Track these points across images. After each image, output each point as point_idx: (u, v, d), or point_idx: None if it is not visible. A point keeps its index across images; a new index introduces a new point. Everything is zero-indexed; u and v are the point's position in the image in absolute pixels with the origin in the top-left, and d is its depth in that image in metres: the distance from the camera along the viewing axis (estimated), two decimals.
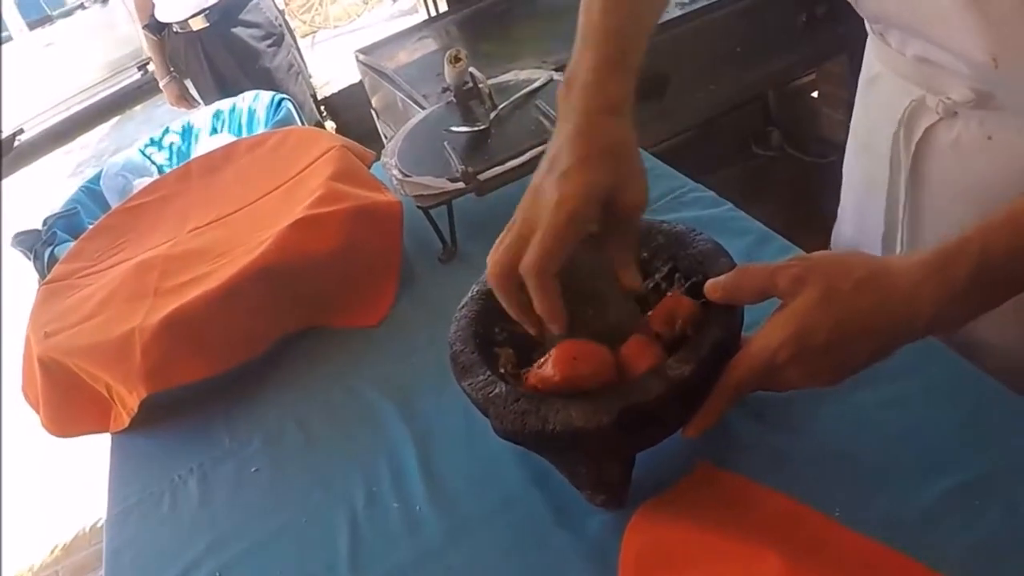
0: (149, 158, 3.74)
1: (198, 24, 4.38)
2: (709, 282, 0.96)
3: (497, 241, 0.98)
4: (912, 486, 0.96)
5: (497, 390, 0.95)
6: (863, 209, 1.40)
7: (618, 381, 0.93)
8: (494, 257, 0.96)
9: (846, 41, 1.26)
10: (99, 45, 10.30)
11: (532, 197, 0.96)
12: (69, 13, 10.41)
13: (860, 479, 0.99)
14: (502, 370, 1.01)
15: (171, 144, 3.83)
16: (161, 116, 4.89)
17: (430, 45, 3.24)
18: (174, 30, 4.44)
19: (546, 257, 0.90)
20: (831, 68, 3.43)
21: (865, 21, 1.24)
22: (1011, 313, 1.08)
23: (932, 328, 0.89)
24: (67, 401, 1.55)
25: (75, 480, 3.97)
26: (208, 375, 1.46)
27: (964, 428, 1.01)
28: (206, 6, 4.34)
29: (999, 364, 1.09)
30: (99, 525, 3.81)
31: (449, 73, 1.71)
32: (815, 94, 3.87)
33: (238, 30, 4.44)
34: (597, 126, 0.98)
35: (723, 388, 0.93)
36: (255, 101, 3.83)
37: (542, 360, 0.95)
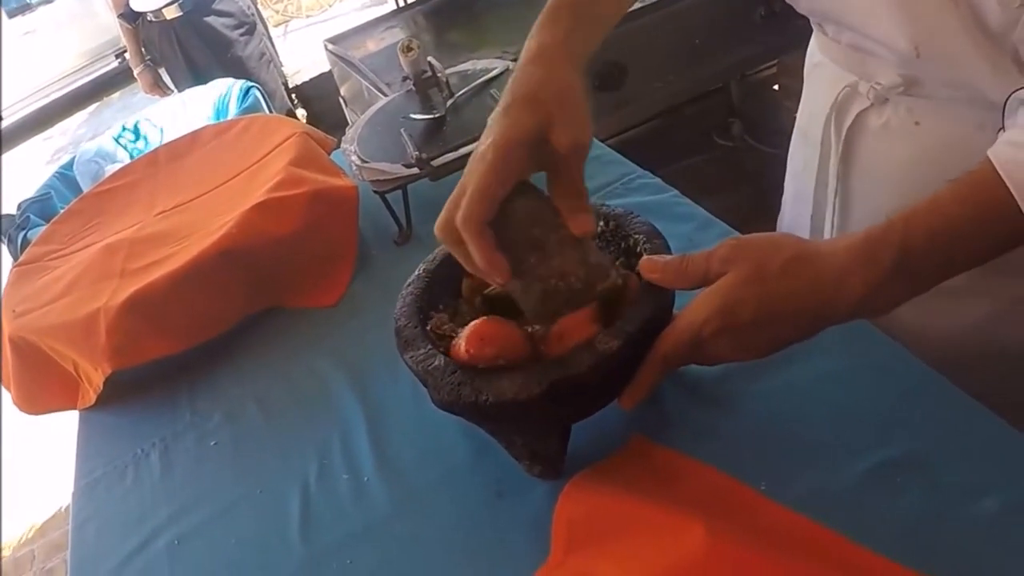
0: (122, 146, 3.74)
1: (172, 13, 4.38)
2: (645, 260, 0.98)
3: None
4: (838, 462, 0.98)
5: (436, 363, 0.97)
6: (799, 194, 1.43)
7: (536, 355, 0.95)
8: (439, 218, 0.96)
9: (803, 35, 1.28)
10: (78, 33, 10.23)
11: (474, 155, 0.97)
12: (49, 1, 10.34)
13: (787, 455, 1.01)
14: (431, 332, 1.03)
15: (144, 132, 3.83)
16: (138, 103, 4.88)
17: (397, 35, 3.25)
18: (148, 19, 4.43)
19: (474, 207, 0.91)
20: (791, 62, 3.46)
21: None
22: (938, 303, 1.12)
23: (856, 312, 0.91)
24: (37, 379, 1.56)
25: (49, 460, 3.96)
26: (171, 353, 1.48)
27: (890, 408, 1.03)
28: None
29: (926, 350, 1.12)
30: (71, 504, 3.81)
31: (404, 62, 1.73)
32: (776, 87, 3.90)
33: (211, 19, 4.44)
34: (522, 74, 0.99)
35: (652, 360, 0.95)
36: (225, 89, 3.83)
37: (458, 337, 0.97)
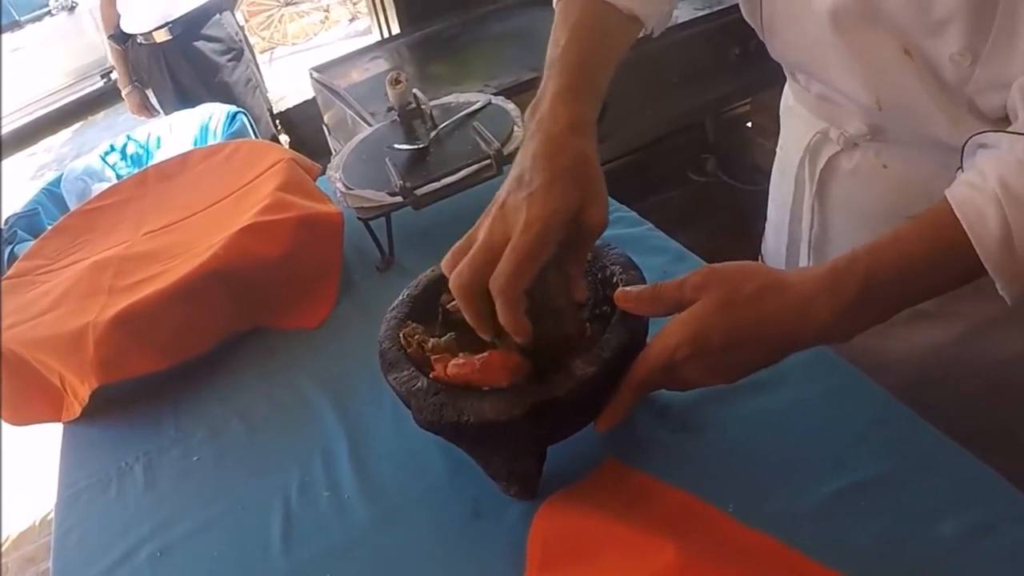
0: (109, 165, 3.74)
1: (161, 36, 4.39)
2: (619, 291, 1.01)
3: (454, 249, 0.99)
4: (805, 487, 1.00)
5: (419, 384, 0.99)
6: (778, 225, 1.47)
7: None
8: (459, 269, 0.96)
9: (777, 75, 1.32)
10: (65, 52, 10.20)
11: (500, 213, 0.97)
12: (38, 19, 10.32)
13: (756, 479, 1.03)
14: (402, 342, 1.05)
15: (130, 152, 3.84)
16: (122, 124, 4.88)
17: (381, 65, 3.27)
18: (138, 41, 4.44)
19: (517, 276, 0.92)
20: (764, 100, 3.49)
21: None
22: (900, 328, 1.15)
23: (822, 339, 0.94)
24: (23, 390, 1.56)
25: (23, 473, 3.93)
26: (157, 369, 1.49)
27: (856, 435, 1.06)
28: (170, 19, 4.35)
29: (891, 380, 1.15)
30: (48, 518, 3.77)
31: (391, 94, 1.75)
32: (749, 124, 3.93)
33: (200, 44, 4.45)
34: (560, 146, 0.99)
35: (628, 385, 0.98)
36: (211, 114, 3.84)
37: (474, 358, 0.98)
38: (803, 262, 1.40)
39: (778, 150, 1.49)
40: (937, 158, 1.11)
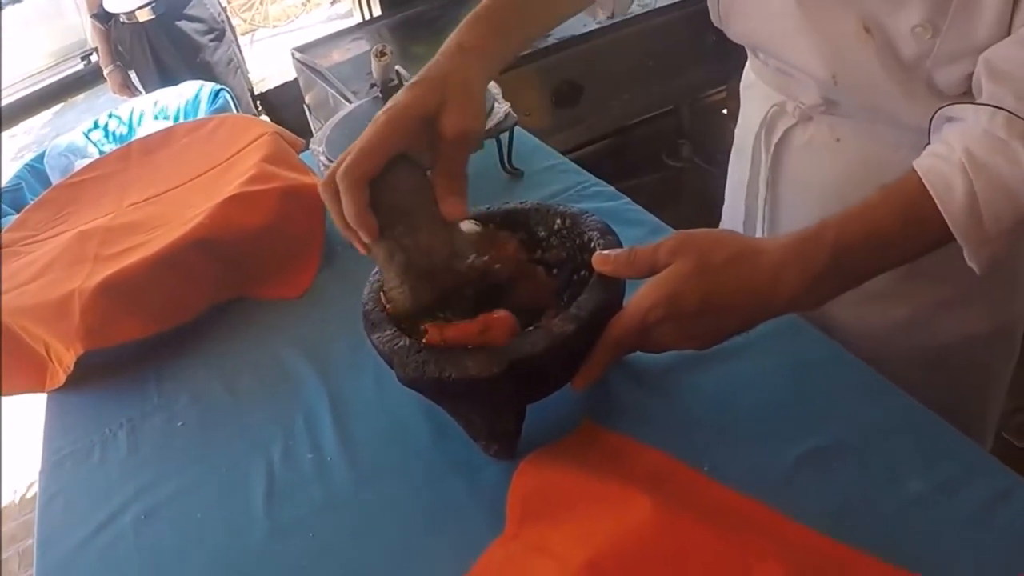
0: (92, 142, 3.73)
1: (144, 16, 4.37)
2: (597, 255, 1.02)
3: None
4: (776, 448, 1.02)
5: (401, 343, 1.00)
6: (735, 204, 1.49)
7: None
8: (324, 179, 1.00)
9: None
10: (44, 34, 10.12)
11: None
12: (18, 1, 10.23)
13: (728, 440, 1.05)
14: (382, 299, 1.07)
15: (113, 129, 3.82)
16: (102, 106, 4.85)
17: (363, 46, 3.26)
18: (120, 20, 4.41)
19: (357, 162, 0.94)
20: (738, 86, 3.51)
21: None
22: (866, 306, 1.17)
23: (793, 305, 0.96)
24: (8, 360, 1.56)
25: (4, 452, 3.91)
26: (142, 336, 1.49)
27: (826, 399, 1.08)
28: None
29: (857, 349, 1.17)
30: (28, 496, 3.75)
31: (375, 67, 1.75)
32: (724, 111, 3.95)
33: (182, 23, 4.43)
34: (438, 63, 1.02)
35: (604, 344, 0.99)
36: (195, 91, 3.83)
37: (472, 322, 0.99)
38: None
39: (737, 129, 1.51)
40: (890, 134, 1.14)
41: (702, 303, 0.94)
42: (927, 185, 0.90)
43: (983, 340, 1.32)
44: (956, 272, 0.95)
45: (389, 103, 0.99)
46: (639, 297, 0.97)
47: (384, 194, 0.97)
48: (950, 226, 0.89)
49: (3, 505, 3.82)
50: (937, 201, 0.89)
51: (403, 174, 0.99)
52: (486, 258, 1.05)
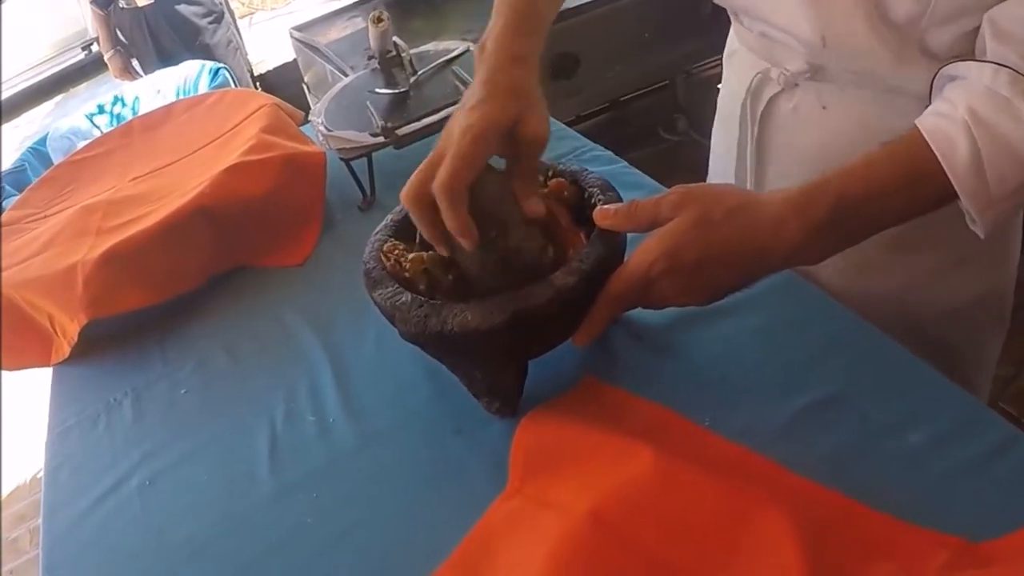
0: (96, 125, 3.73)
1: (143, 0, 4.37)
2: (598, 209, 1.02)
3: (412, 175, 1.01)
4: (774, 401, 1.02)
5: (403, 299, 0.99)
6: (721, 173, 1.48)
7: None
8: (407, 184, 0.99)
9: None
10: (45, 25, 10.12)
11: (445, 133, 1.00)
12: None
13: (728, 395, 1.04)
14: (382, 259, 1.07)
15: (117, 112, 3.82)
16: (103, 94, 4.84)
17: (359, 24, 3.26)
18: (120, 6, 4.42)
19: (455, 175, 0.93)
20: None
21: None
22: (857, 275, 1.16)
23: (792, 259, 0.95)
24: (13, 335, 1.56)
25: (12, 433, 3.91)
26: (145, 305, 1.49)
27: (823, 353, 1.07)
28: None
29: (856, 304, 1.16)
30: (38, 476, 3.76)
31: (372, 34, 1.74)
32: (719, 86, 3.93)
33: (181, 7, 4.44)
34: (501, 73, 1.01)
35: (605, 298, 0.98)
36: (196, 70, 3.83)
37: None
38: None
39: (719, 99, 1.50)
40: (877, 101, 1.12)
41: (703, 255, 0.93)
42: (931, 144, 0.89)
43: (976, 305, 1.31)
44: (947, 240, 0.95)
45: (472, 111, 0.97)
46: (642, 251, 0.96)
47: (477, 203, 0.97)
48: (955, 186, 0.89)
49: (12, 488, 3.83)
50: (941, 160, 0.89)
51: (490, 182, 0.99)
52: (559, 250, 1.06)
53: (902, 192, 0.92)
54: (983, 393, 1.46)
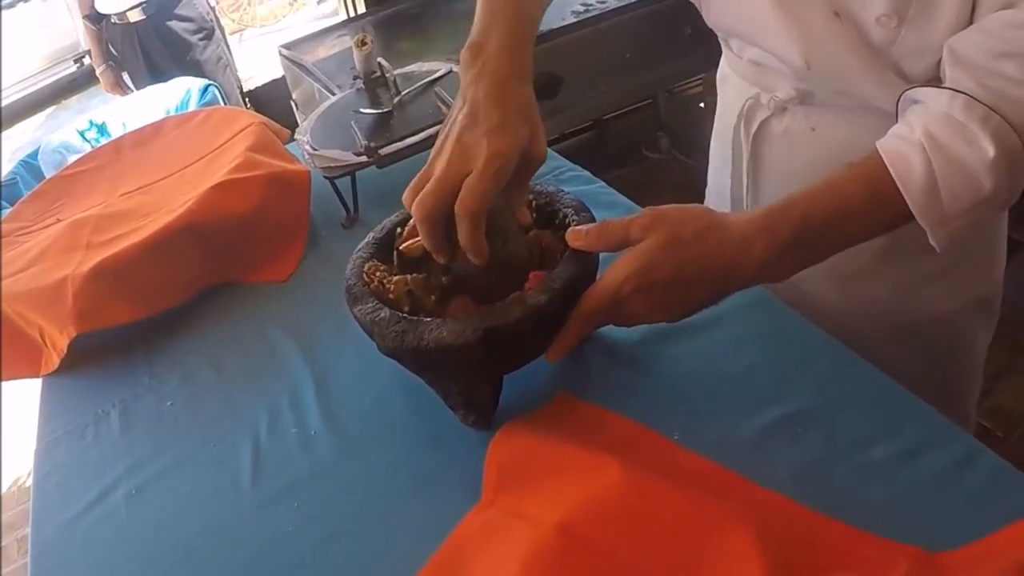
0: (88, 140, 3.73)
1: (135, 16, 4.37)
2: (571, 230, 1.04)
3: (413, 183, 1.02)
4: (744, 417, 1.04)
5: (382, 315, 1.02)
6: (719, 189, 1.50)
7: None
8: (421, 197, 0.99)
9: None
10: (38, 38, 10.10)
11: (458, 148, 0.99)
12: (11, 6, 10.20)
13: (698, 410, 1.07)
14: (365, 278, 1.09)
15: (101, 125, 3.83)
16: (94, 107, 4.83)
17: (347, 42, 3.26)
18: (112, 21, 4.42)
19: (482, 200, 0.95)
20: (714, 79, 3.52)
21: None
22: (842, 285, 1.19)
23: (760, 277, 0.98)
24: (3, 345, 1.57)
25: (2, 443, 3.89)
26: (133, 319, 1.50)
27: (791, 370, 1.09)
28: None
29: (833, 327, 1.18)
30: (27, 485, 3.75)
31: (356, 57, 1.76)
32: (702, 104, 3.97)
33: (172, 23, 4.44)
34: (511, 90, 1.03)
35: (577, 315, 1.00)
36: (185, 87, 3.84)
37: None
38: None
39: (716, 120, 1.53)
40: (863, 121, 1.15)
41: (673, 274, 0.96)
42: (888, 163, 0.93)
43: (963, 312, 1.34)
44: (933, 249, 0.96)
45: (496, 140, 0.98)
46: (612, 270, 0.99)
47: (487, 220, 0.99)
48: (909, 204, 0.92)
49: (2, 493, 3.82)
50: (897, 180, 0.92)
51: (499, 200, 1.02)
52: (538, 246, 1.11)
53: (864, 211, 0.95)
54: (973, 396, 1.49)
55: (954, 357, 1.40)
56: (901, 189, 0.92)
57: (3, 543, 3.61)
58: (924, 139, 0.91)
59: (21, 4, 10.30)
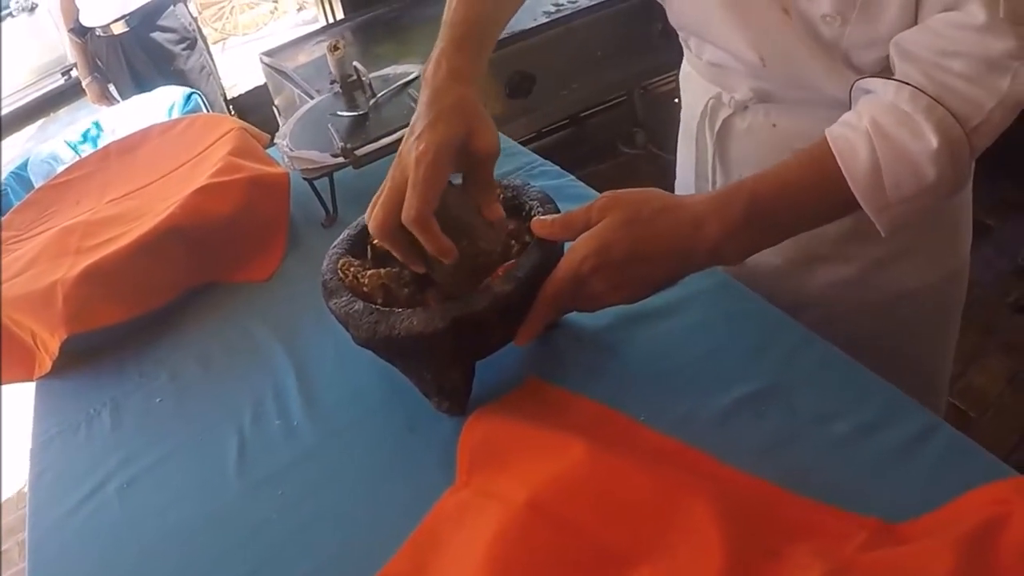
0: (75, 150, 3.74)
1: (119, 28, 4.38)
2: (535, 220, 1.07)
3: (371, 202, 1.05)
4: (707, 396, 1.06)
5: (356, 307, 1.05)
6: (686, 183, 1.53)
7: None
8: (373, 215, 1.02)
9: None
10: (26, 52, 10.07)
11: (398, 161, 1.03)
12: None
13: (663, 390, 1.09)
14: (339, 273, 1.12)
15: (94, 136, 3.84)
16: (82, 120, 4.82)
17: (325, 48, 3.31)
18: (97, 34, 4.42)
19: (422, 205, 0.96)
20: None
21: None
22: (811, 268, 1.21)
23: (714, 258, 1.01)
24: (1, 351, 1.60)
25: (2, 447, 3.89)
26: (121, 320, 1.52)
27: (754, 350, 1.12)
28: (127, 12, 4.33)
29: (812, 308, 1.21)
30: (25, 490, 3.74)
31: (331, 61, 1.78)
32: (676, 100, 3.97)
33: (156, 34, 4.44)
34: (442, 91, 1.05)
35: (541, 299, 1.03)
36: (170, 96, 3.86)
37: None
38: None
39: (681, 116, 1.55)
40: (821, 114, 1.16)
41: (630, 251, 0.99)
42: (833, 149, 0.95)
43: (932, 288, 1.36)
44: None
45: (421, 137, 1.01)
46: (572, 251, 1.02)
47: (445, 220, 1.01)
48: (852, 188, 0.95)
49: (3, 499, 3.82)
50: (841, 165, 0.95)
51: (451, 196, 1.04)
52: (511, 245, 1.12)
53: (810, 194, 0.99)
54: (945, 371, 1.51)
55: (925, 333, 1.42)
56: (845, 174, 0.95)
57: (4, 547, 3.61)
58: (870, 127, 0.94)
59: (9, 19, 10.26)
